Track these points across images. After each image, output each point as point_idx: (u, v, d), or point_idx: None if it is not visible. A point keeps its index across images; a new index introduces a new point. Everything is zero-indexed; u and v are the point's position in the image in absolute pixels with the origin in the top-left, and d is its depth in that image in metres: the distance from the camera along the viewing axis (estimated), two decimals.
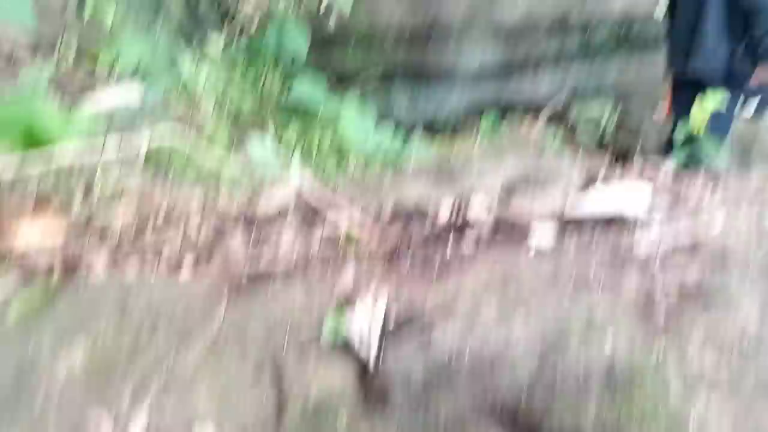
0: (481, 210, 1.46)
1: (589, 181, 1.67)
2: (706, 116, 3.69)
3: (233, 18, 5.63)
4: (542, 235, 1.27)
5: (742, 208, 1.18)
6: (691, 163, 4.23)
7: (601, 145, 5.78)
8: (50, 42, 3.30)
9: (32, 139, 1.48)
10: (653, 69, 6.12)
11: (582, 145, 5.77)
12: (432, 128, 6.45)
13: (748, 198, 1.25)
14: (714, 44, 4.25)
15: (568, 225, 1.31)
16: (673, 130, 4.43)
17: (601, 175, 1.67)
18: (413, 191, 1.60)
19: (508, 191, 1.56)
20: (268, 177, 2.38)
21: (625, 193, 1.28)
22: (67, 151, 1.43)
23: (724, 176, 1.69)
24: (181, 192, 1.84)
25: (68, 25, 3.37)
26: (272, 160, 2.54)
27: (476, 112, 6.38)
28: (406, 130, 5.85)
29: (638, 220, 1.21)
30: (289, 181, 2.01)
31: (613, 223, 1.26)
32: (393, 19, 6.03)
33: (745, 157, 5.42)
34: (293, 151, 3.35)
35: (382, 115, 6.26)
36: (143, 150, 1.62)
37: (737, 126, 5.27)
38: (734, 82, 4.27)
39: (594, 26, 5.94)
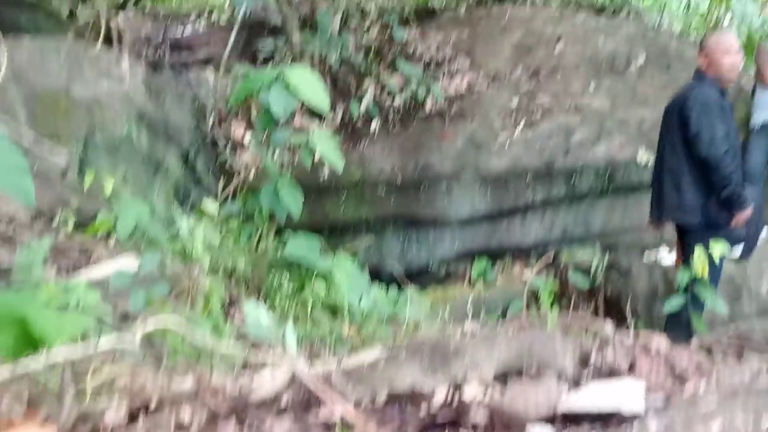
0: (475, 402, 1.46)
1: (583, 363, 1.67)
2: (706, 263, 3.77)
3: (229, 175, 5.80)
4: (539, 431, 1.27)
5: (738, 403, 1.18)
6: (694, 308, 4.29)
7: (592, 289, 5.81)
8: (49, 210, 3.38)
9: (26, 343, 1.49)
10: (639, 213, 6.27)
11: (573, 291, 5.80)
12: (425, 274, 6.50)
13: (744, 389, 1.26)
14: (692, 197, 4.47)
15: (564, 421, 1.30)
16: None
17: (593, 357, 1.68)
18: (407, 377, 1.60)
19: (502, 379, 1.56)
20: (262, 352, 2.37)
21: (620, 389, 1.28)
22: (60, 351, 1.44)
23: (717, 359, 1.70)
24: (174, 376, 1.83)
25: (68, 192, 3.47)
26: (266, 331, 2.54)
27: (468, 258, 6.46)
28: (399, 279, 5.90)
29: (635, 417, 1.22)
30: (284, 357, 2.00)
31: (609, 419, 1.26)
32: (384, 170, 6.22)
33: (736, 297, 5.46)
34: (287, 316, 3.36)
35: (376, 263, 6.35)
36: (138, 337, 1.62)
37: (727, 266, 5.36)
38: (715, 229, 4.43)
39: (578, 173, 6.13)
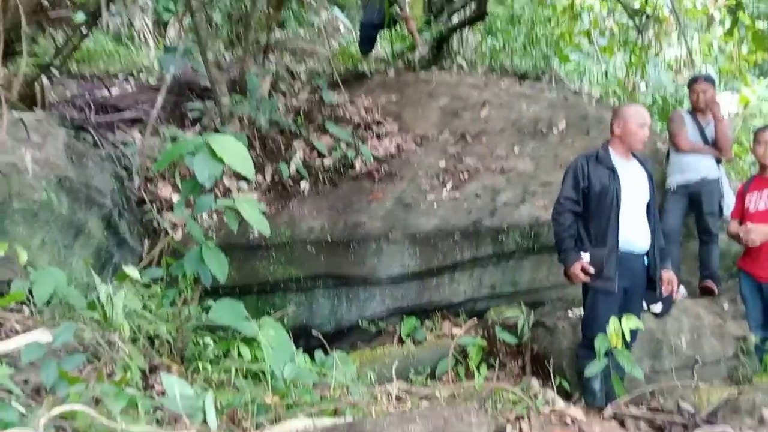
0: None
1: None
2: (620, 335, 3.87)
3: (156, 236, 5.73)
4: None
5: None
6: (617, 371, 4.45)
7: (519, 345, 5.90)
8: None
9: None
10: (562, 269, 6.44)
11: (501, 348, 5.87)
12: (355, 332, 6.49)
13: None
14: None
15: None
16: (587, 339, 4.64)
17: (508, 430, 1.72)
18: None
19: None
20: (180, 426, 2.33)
21: None
22: None
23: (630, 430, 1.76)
24: None
25: None
26: (185, 403, 2.50)
27: (398, 315, 6.49)
28: (325, 343, 5.87)
29: None
30: None
31: None
32: (314, 229, 6.25)
33: (657, 352, 5.61)
34: (210, 383, 3.31)
35: (306, 322, 6.31)
36: (41, 423, 1.59)
37: (647, 323, 5.53)
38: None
39: (505, 232, 6.27)
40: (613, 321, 3.86)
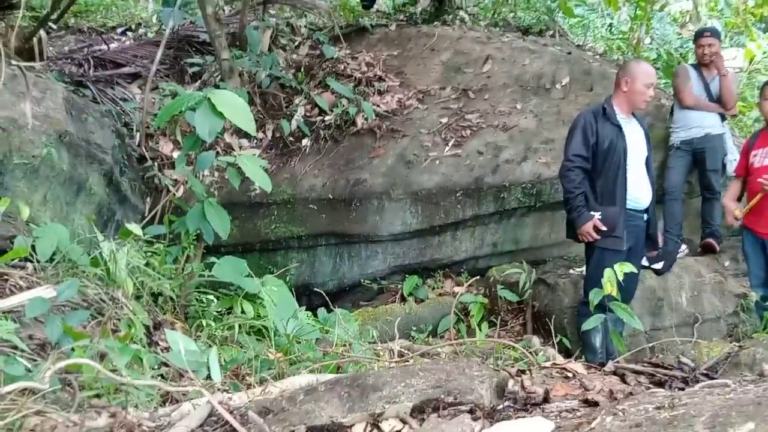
0: None
1: (500, 392, 1.70)
2: (614, 283, 3.86)
3: (157, 193, 5.71)
4: None
5: None
6: (617, 326, 4.48)
7: (521, 303, 5.91)
8: None
9: None
10: (566, 228, 6.43)
11: (503, 306, 5.89)
12: (357, 290, 6.51)
13: (647, 421, 1.30)
14: None
15: None
16: (586, 294, 4.65)
17: (510, 385, 1.72)
18: (325, 411, 1.60)
19: (421, 411, 1.58)
20: (182, 384, 2.34)
21: (530, 428, 1.32)
22: None
23: (630, 384, 1.76)
24: (88, 414, 1.78)
25: None
26: (190, 359, 2.51)
27: (400, 273, 6.50)
28: (330, 295, 5.90)
29: None
30: (204, 389, 1.98)
31: None
32: (315, 187, 6.22)
33: (658, 309, 5.63)
34: (214, 340, 3.32)
35: (308, 280, 6.33)
36: (47, 376, 1.58)
37: (648, 281, 5.54)
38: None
39: (507, 190, 6.24)
40: (607, 272, 3.85)
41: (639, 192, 4.74)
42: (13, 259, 3.30)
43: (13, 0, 5.71)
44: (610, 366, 2.93)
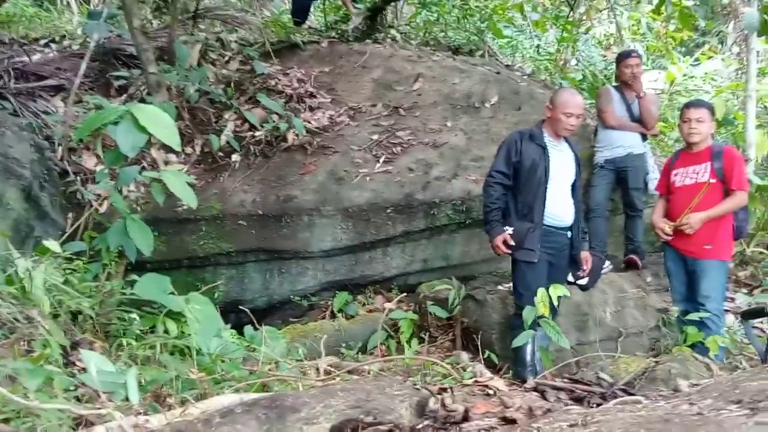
0: None
1: (420, 411, 1.70)
2: (547, 304, 3.96)
3: (80, 208, 5.53)
4: None
5: None
6: (544, 342, 4.61)
7: (450, 319, 5.96)
8: None
9: None
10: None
11: (433, 322, 5.92)
12: (287, 307, 6.45)
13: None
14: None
15: None
16: (518, 310, 4.75)
17: (431, 404, 1.72)
18: None
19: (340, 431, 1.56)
20: (94, 407, 2.26)
21: None
22: None
23: (550, 401, 1.78)
24: None
25: None
26: (107, 380, 2.42)
27: (331, 289, 6.47)
28: (260, 312, 5.82)
29: None
30: (119, 413, 1.92)
31: None
32: (245, 202, 6.14)
33: (583, 324, 5.76)
34: (132, 363, 3.22)
35: (237, 297, 6.22)
36: None
37: (574, 296, 5.65)
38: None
39: (437, 207, 6.30)
40: (540, 292, 3.95)
41: (559, 210, 4.95)
42: None
43: None
44: (530, 383, 2.98)
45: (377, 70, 7.29)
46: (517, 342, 4.22)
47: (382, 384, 1.73)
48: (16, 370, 2.24)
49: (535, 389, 2.17)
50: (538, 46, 9.53)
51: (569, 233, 5.07)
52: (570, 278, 5.48)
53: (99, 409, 1.96)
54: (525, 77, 7.72)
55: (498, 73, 7.56)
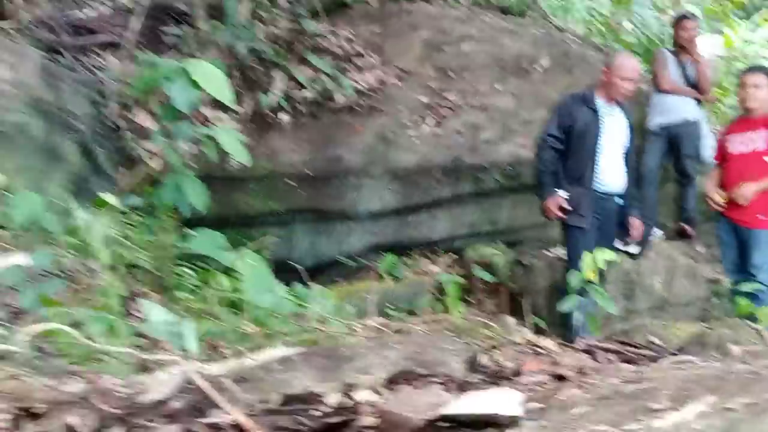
0: (365, 406, 1.49)
1: (472, 366, 1.72)
2: (594, 268, 3.93)
3: (133, 164, 5.64)
4: None
5: (606, 407, 1.25)
6: (592, 309, 4.58)
7: (497, 284, 5.96)
8: None
9: None
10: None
11: (479, 286, 5.94)
12: (334, 268, 6.51)
13: (614, 394, 1.33)
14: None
15: (447, 424, 1.34)
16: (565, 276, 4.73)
17: (482, 360, 1.74)
18: (300, 381, 1.61)
19: (393, 383, 1.59)
20: (156, 352, 2.33)
21: (500, 396, 1.34)
22: None
23: (600, 361, 1.79)
24: (64, 379, 1.78)
25: None
26: (165, 329, 2.50)
27: (377, 252, 6.51)
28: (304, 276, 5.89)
29: (511, 422, 1.27)
30: (179, 358, 1.98)
31: (487, 425, 1.31)
32: (294, 163, 6.19)
33: (630, 294, 5.72)
34: (190, 312, 3.31)
35: (285, 256, 6.31)
36: (25, 339, 1.57)
37: (623, 264, 5.60)
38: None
39: (485, 170, 6.27)
40: (587, 256, 3.92)
41: (610, 176, 4.88)
42: None
43: None
44: (581, 344, 2.97)
45: (426, 30, 7.21)
46: (563, 306, 4.21)
47: (434, 339, 1.76)
48: (80, 317, 2.32)
49: (584, 351, 2.18)
50: (592, 8, 9.31)
51: (619, 200, 5.01)
52: (618, 245, 5.43)
53: (160, 355, 2.03)
54: (577, 40, 7.57)
55: (550, 35, 7.42)
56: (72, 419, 1.55)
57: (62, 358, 1.99)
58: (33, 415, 1.55)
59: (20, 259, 2.74)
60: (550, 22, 7.86)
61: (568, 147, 4.85)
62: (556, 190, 4.82)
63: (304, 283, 4.71)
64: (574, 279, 4.14)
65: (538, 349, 2.22)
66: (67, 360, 2.02)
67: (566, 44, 7.36)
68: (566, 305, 4.05)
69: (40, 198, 3.61)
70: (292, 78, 6.65)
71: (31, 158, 4.18)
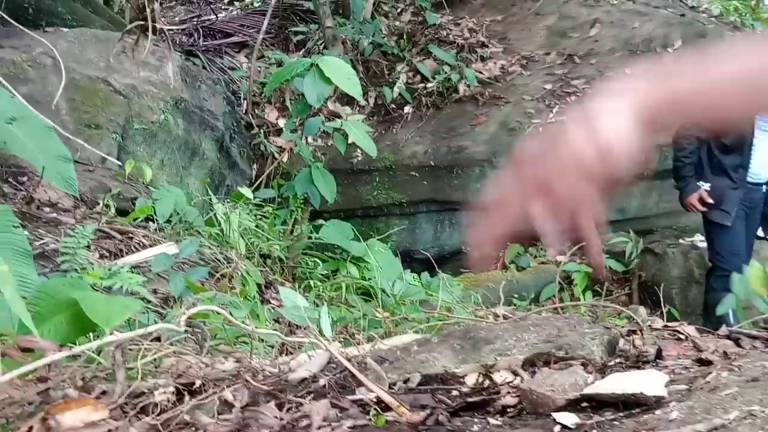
0: (505, 386, 1.50)
1: (611, 350, 1.70)
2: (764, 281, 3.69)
3: (263, 159, 5.89)
4: (566, 415, 1.30)
5: (757, 390, 1.21)
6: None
7: (626, 273, 5.79)
8: (91, 195, 3.48)
9: (78, 327, 1.56)
10: (674, 197, 6.21)
11: (607, 274, 5.78)
12: (458, 258, 6.53)
13: (764, 376, 1.28)
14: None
15: (590, 404, 1.34)
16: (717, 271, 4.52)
17: (621, 344, 1.71)
18: (439, 361, 1.64)
19: (531, 364, 1.60)
20: (298, 335, 2.43)
21: (644, 377, 1.31)
22: (111, 336, 1.51)
23: (745, 347, 1.72)
24: (217, 358, 1.90)
25: (108, 179, 3.56)
26: (302, 315, 2.60)
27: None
28: (431, 259, 5.94)
29: (657, 403, 1.24)
30: (320, 340, 2.05)
31: (632, 405, 1.29)
32: (417, 154, 6.25)
33: None
34: (322, 299, 3.43)
35: (409, 246, 6.39)
36: (183, 321, 1.68)
37: (764, 251, 5.29)
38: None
39: None
40: (757, 268, 3.67)
41: (761, 167, 4.55)
42: (136, 219, 3.50)
43: None
44: (723, 330, 2.83)
45: (551, 16, 7.07)
46: (722, 309, 3.95)
47: (572, 322, 1.74)
48: (225, 303, 2.46)
49: (728, 337, 2.09)
50: None
51: (765, 188, 4.69)
52: (761, 233, 5.14)
53: (302, 338, 2.12)
54: (712, 19, 7.20)
55: (682, 15, 7.09)
56: (227, 394, 1.64)
57: (211, 341, 2.12)
58: (192, 391, 1.66)
59: (168, 248, 2.93)
60: (683, 2, 7.51)
61: (717, 137, 4.56)
62: (699, 183, 4.55)
63: (431, 272, 4.77)
64: (738, 286, 3.86)
65: (678, 335, 2.15)
66: (216, 341, 2.15)
67: (701, 24, 7.01)
68: (723, 307, 3.80)
69: (182, 192, 3.84)
70: (415, 70, 6.71)
71: (173, 154, 4.45)
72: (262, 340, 2.27)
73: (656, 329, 2.18)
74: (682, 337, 2.05)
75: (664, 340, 2.05)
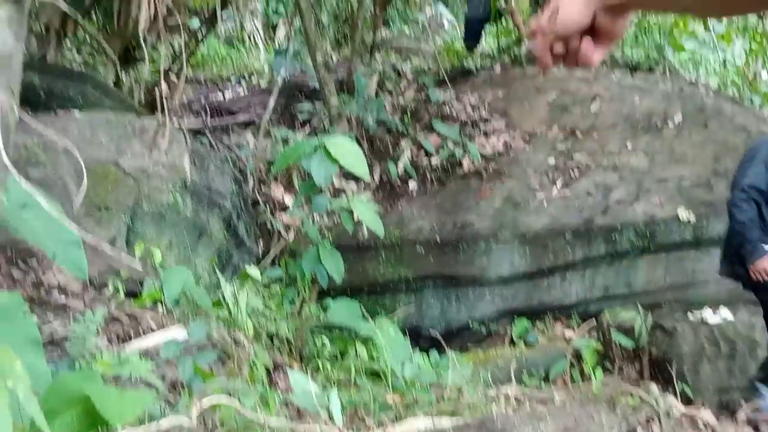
0: None
1: None
2: None
3: (270, 237, 5.90)
4: None
5: None
6: None
7: (636, 349, 5.70)
8: (100, 279, 3.48)
9: (89, 422, 1.53)
10: (681, 270, 6.19)
11: (617, 351, 5.70)
12: (465, 333, 6.46)
13: None
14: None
15: None
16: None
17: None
18: None
19: None
20: (308, 423, 2.39)
21: None
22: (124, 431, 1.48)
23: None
24: None
25: (116, 261, 3.55)
26: (312, 400, 2.56)
27: (508, 317, 6.41)
28: (440, 341, 5.88)
29: None
30: (328, 428, 2.02)
31: None
32: (423, 229, 6.26)
33: None
34: (331, 382, 3.38)
35: (416, 323, 6.33)
36: (194, 415, 1.66)
37: None
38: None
39: (618, 231, 6.09)
40: None
41: None
42: (147, 302, 3.49)
43: (137, 56, 6.12)
44: (742, 415, 2.77)
45: (552, 92, 7.20)
46: None
47: (589, 411, 1.71)
48: (235, 389, 2.42)
49: (747, 422, 2.05)
50: (724, 60, 9.00)
51: None
52: None
53: (311, 425, 2.09)
54: (711, 93, 7.31)
55: (681, 89, 7.22)
56: None
57: (221, 429, 2.08)
58: None
59: (177, 333, 2.91)
60: (681, 77, 7.65)
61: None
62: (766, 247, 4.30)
63: (438, 349, 4.72)
64: None
65: (696, 421, 2.11)
66: (225, 430, 2.11)
67: (699, 98, 7.13)
68: None
69: (190, 272, 3.84)
70: (418, 146, 6.79)
71: (181, 235, 4.46)
72: (272, 429, 2.23)
73: (674, 416, 2.14)
74: (700, 424, 2.01)
75: (682, 427, 2.01)
